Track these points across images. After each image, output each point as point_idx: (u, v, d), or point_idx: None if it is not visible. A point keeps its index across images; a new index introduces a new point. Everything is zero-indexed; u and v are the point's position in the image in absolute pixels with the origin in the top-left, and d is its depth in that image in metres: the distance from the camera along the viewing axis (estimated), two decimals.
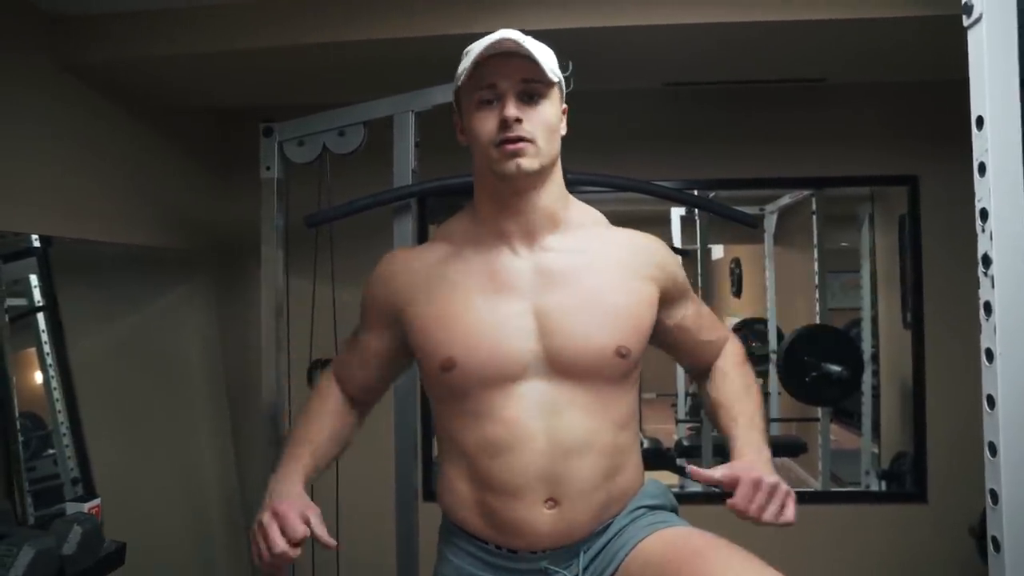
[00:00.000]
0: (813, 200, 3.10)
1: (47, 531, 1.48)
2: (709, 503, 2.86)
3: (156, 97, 2.49)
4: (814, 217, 3.09)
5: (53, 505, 2.06)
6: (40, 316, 2.18)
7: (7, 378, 1.90)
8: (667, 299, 1.31)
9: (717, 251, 4.99)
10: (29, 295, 2.16)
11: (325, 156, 2.04)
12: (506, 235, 1.23)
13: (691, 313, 1.39)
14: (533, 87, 1.16)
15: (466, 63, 1.17)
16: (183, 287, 2.79)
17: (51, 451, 2.17)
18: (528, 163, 1.15)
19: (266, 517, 1.16)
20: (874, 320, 3.10)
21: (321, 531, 1.16)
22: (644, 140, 2.77)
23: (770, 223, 3.62)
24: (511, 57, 1.14)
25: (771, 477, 1.15)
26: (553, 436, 1.16)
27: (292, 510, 1.16)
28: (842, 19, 1.95)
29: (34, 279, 2.17)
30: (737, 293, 4.59)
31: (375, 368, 1.39)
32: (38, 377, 2.20)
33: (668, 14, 2.00)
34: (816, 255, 3.13)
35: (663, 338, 1.38)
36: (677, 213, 3.73)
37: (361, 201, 1.95)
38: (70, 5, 2.01)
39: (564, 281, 1.20)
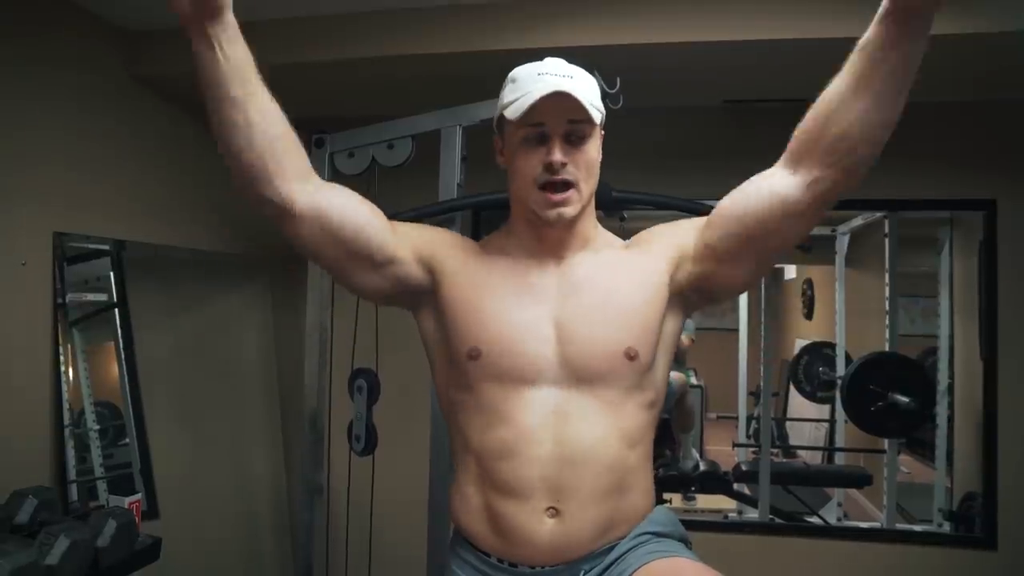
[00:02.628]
0: (886, 222, 2.96)
1: (86, 522, 1.55)
2: (767, 534, 2.80)
3: None
4: (886, 240, 2.95)
5: (127, 493, 2.18)
6: (116, 312, 2.30)
7: (60, 375, 1.99)
8: (680, 248, 1.24)
9: (789, 271, 4.84)
10: (110, 291, 2.29)
11: (374, 168, 2.08)
12: (538, 254, 1.27)
13: (723, 204, 1.21)
14: (578, 127, 1.18)
15: (514, 94, 1.17)
16: (243, 292, 2.90)
17: (126, 440, 2.29)
18: (569, 211, 1.19)
19: None
20: (952, 349, 2.93)
21: None
22: (703, 158, 2.70)
23: (842, 244, 3.49)
24: (560, 95, 1.14)
25: None
26: (560, 443, 1.17)
27: None
28: None
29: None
30: (808, 315, 4.44)
31: (370, 233, 1.21)
32: (115, 369, 2.32)
33: (727, 31, 1.96)
34: (887, 279, 2.98)
35: (736, 246, 1.19)
36: None
37: (405, 215, 1.97)
38: (141, 20, 2.13)
39: (581, 288, 1.23)
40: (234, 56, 1.07)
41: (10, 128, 1.86)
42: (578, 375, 1.19)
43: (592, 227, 1.30)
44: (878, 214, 3.02)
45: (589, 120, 1.17)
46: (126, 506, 1.70)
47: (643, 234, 1.32)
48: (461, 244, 1.32)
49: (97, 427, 2.22)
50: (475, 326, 1.21)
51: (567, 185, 1.18)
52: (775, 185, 1.16)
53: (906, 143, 2.52)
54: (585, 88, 1.17)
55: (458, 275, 1.25)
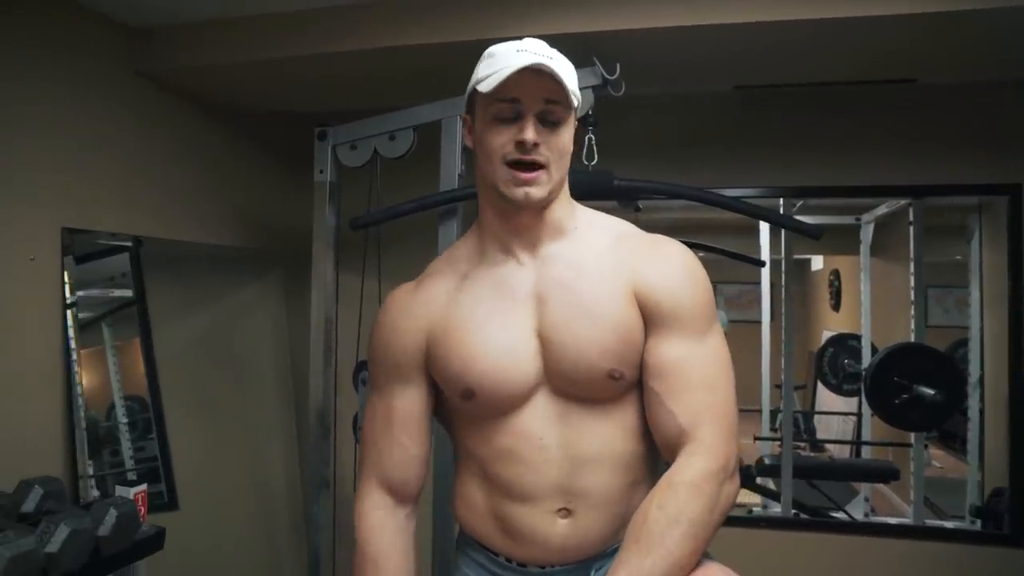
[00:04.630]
0: (911, 210, 2.87)
1: (88, 512, 1.57)
2: (791, 529, 2.75)
3: (230, 103, 2.63)
4: (911, 228, 2.86)
5: (154, 483, 2.22)
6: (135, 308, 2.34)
7: (72, 365, 2.02)
8: (647, 321, 1.14)
9: (816, 262, 4.75)
10: (133, 287, 2.33)
11: (376, 160, 2.09)
12: (511, 248, 1.21)
13: (669, 355, 1.12)
14: (554, 109, 1.11)
15: (489, 68, 1.11)
16: (257, 285, 2.93)
17: (152, 435, 2.33)
18: (537, 192, 1.12)
19: None
20: (982, 340, 2.85)
21: None
22: (714, 146, 2.67)
23: (866, 234, 3.41)
24: (538, 72, 1.08)
25: None
26: (566, 446, 1.14)
27: None
28: (932, 12, 1.80)
29: None
30: (836, 307, 4.35)
31: (424, 430, 1.27)
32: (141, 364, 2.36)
33: (737, 12, 1.91)
34: (913, 268, 2.90)
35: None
36: None
37: (404, 206, 1.98)
38: (143, 17, 2.16)
39: (562, 296, 1.16)
40: None
41: (15, 125, 1.89)
42: (564, 387, 1.15)
43: (567, 215, 1.22)
44: (902, 201, 2.93)
45: (566, 103, 1.12)
46: (131, 496, 1.72)
47: (643, 247, 1.20)
48: (421, 299, 1.25)
49: (126, 420, 2.26)
50: (463, 369, 1.16)
51: (536, 166, 1.11)
52: (655, 411, 1.13)
53: (925, 127, 2.51)
54: (564, 69, 1.11)
55: (436, 328, 1.21)
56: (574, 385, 1.14)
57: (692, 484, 1.05)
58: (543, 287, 1.17)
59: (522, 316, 1.17)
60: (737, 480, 1.11)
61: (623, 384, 1.14)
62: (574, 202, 1.26)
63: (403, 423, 1.25)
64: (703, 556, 1.08)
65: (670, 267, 1.17)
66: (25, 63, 1.91)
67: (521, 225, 1.19)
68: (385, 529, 1.25)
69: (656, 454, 1.19)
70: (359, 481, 1.30)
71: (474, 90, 1.14)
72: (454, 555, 1.34)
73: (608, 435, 1.15)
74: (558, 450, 1.14)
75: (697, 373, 1.12)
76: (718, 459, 1.08)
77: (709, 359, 1.13)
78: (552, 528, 1.15)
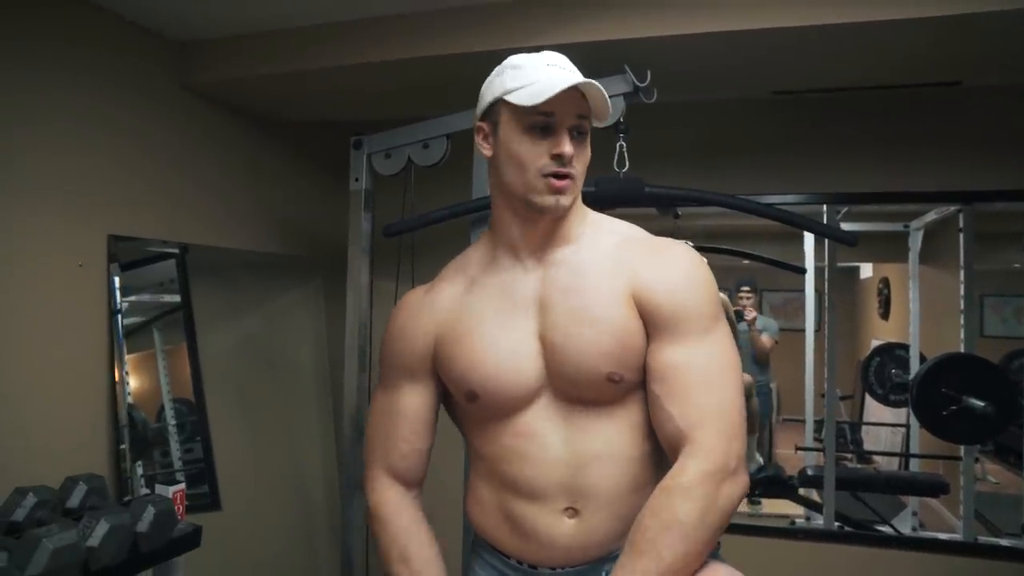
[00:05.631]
0: (960, 216, 2.79)
1: (128, 509, 1.62)
2: (833, 542, 2.68)
3: (270, 113, 2.70)
4: (961, 235, 2.78)
5: (199, 484, 2.31)
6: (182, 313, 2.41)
7: (114, 368, 2.09)
8: (648, 324, 1.16)
9: (865, 270, 4.64)
10: (180, 292, 2.40)
11: (410, 167, 2.12)
12: (519, 251, 1.25)
13: (670, 358, 1.13)
14: (583, 123, 1.17)
15: (520, 80, 1.14)
16: (298, 291, 2.99)
17: (198, 437, 2.40)
18: (567, 200, 1.17)
19: None
20: None
21: None
22: (753, 152, 2.64)
23: (915, 241, 3.32)
24: (576, 90, 1.13)
25: None
26: (571, 445, 1.17)
27: None
28: (974, 13, 1.76)
29: None
30: (885, 315, 4.23)
31: (429, 427, 1.32)
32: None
33: (772, 17, 1.89)
34: (962, 276, 2.81)
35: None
36: None
37: (436, 213, 2.01)
38: (189, 31, 2.24)
39: (564, 300, 1.19)
40: None
41: (64, 136, 1.97)
42: (566, 390, 1.18)
43: (578, 220, 1.25)
44: (952, 207, 2.85)
45: (589, 117, 1.17)
46: (169, 495, 1.77)
47: (644, 250, 1.22)
48: (431, 301, 1.30)
49: (174, 422, 2.33)
50: (467, 371, 1.21)
51: (569, 177, 1.16)
52: (656, 413, 1.14)
53: (976, 130, 2.43)
54: (591, 84, 1.14)
55: (444, 330, 1.26)
56: (575, 387, 1.17)
57: (685, 487, 1.06)
58: (546, 292, 1.21)
59: (525, 320, 1.21)
60: (740, 480, 1.10)
61: (624, 386, 1.16)
62: (585, 207, 1.29)
63: (406, 419, 1.31)
64: (710, 556, 1.08)
65: (670, 269, 1.18)
66: (74, 76, 1.99)
67: (537, 231, 1.22)
68: (405, 504, 1.31)
69: (666, 458, 1.19)
70: (365, 470, 1.35)
71: (499, 100, 1.17)
72: (470, 554, 1.38)
73: (613, 435, 1.17)
74: (563, 448, 1.17)
75: (697, 376, 1.12)
76: (715, 460, 1.07)
77: (711, 361, 1.13)
78: (559, 527, 1.17)
